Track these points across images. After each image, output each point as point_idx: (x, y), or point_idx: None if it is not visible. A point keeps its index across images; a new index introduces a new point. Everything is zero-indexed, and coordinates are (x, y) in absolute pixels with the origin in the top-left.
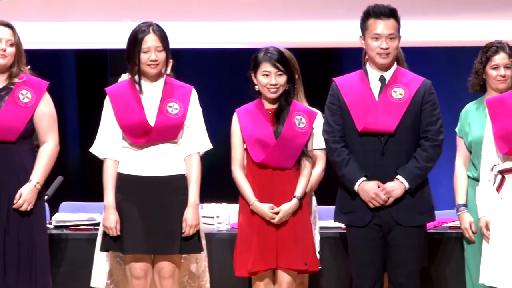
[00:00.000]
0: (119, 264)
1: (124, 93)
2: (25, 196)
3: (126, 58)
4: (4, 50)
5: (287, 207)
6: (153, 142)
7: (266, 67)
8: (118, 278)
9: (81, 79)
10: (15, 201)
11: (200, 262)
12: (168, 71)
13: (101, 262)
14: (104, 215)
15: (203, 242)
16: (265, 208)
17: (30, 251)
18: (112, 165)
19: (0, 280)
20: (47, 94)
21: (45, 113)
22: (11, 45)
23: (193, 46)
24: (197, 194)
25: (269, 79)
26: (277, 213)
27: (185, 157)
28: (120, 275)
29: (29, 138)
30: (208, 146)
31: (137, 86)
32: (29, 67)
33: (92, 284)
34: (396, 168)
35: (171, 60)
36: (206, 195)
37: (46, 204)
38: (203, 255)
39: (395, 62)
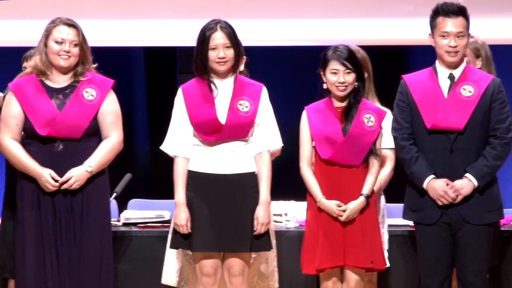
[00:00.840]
0: (189, 263)
1: (196, 90)
2: (74, 172)
3: (195, 56)
4: (68, 52)
5: (354, 205)
6: (223, 140)
7: (334, 65)
8: (187, 276)
9: (150, 77)
10: (64, 179)
11: (270, 262)
12: (242, 68)
13: (172, 259)
14: (175, 212)
15: (273, 241)
16: (332, 205)
17: (94, 248)
18: (183, 162)
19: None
20: (112, 92)
21: (109, 110)
22: (75, 45)
23: (263, 43)
24: (269, 192)
25: (337, 77)
26: (344, 211)
27: (255, 155)
28: (189, 273)
29: (94, 135)
30: (279, 144)
31: (207, 83)
32: (95, 65)
33: (163, 281)
34: (465, 166)
35: (244, 57)
36: (275, 193)
37: (114, 202)
38: (273, 255)
39: (464, 60)
